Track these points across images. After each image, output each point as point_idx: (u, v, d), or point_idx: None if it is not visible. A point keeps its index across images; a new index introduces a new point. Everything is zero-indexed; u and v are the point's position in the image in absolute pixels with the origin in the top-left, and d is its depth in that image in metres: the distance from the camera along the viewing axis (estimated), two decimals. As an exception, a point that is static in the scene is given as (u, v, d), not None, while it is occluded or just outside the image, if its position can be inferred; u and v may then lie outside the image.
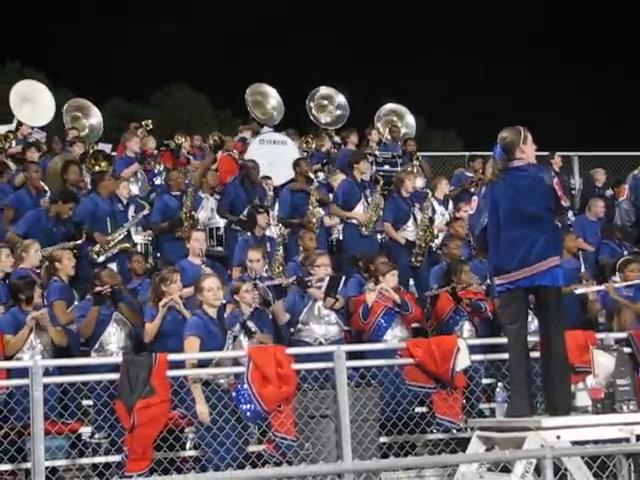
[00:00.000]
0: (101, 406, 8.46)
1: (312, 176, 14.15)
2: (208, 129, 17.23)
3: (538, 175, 7.72)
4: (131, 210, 12.92)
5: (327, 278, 10.57)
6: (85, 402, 9.16)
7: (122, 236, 12.25)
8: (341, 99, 17.70)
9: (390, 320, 10.61)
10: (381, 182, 13.84)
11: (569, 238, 12.20)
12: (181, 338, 9.18)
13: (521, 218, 7.65)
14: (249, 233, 12.60)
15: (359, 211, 13.27)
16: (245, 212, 13.19)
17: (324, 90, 17.59)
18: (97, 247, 12.03)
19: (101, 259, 11.95)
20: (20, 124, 15.20)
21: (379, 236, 13.65)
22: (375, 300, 10.59)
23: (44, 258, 11.03)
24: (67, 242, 11.75)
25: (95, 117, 16.61)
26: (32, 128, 15.25)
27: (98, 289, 10.11)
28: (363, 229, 13.16)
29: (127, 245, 12.27)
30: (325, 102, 17.46)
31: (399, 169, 15.01)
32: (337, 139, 16.80)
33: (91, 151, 14.71)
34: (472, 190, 14.85)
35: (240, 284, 10.35)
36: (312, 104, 17.39)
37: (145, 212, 12.88)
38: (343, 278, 10.94)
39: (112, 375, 8.27)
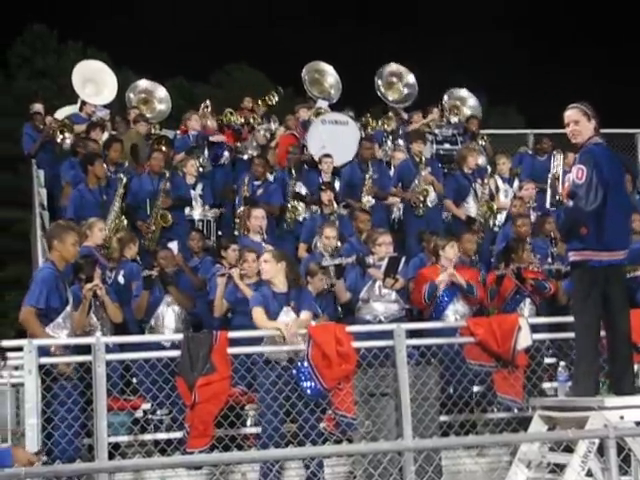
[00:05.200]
0: (162, 383, 8.51)
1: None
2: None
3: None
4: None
5: (386, 258, 10.48)
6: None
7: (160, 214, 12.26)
8: (410, 78, 16.89)
9: (451, 295, 10.47)
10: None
11: (637, 218, 11.94)
12: (244, 315, 9.38)
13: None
14: (318, 211, 12.75)
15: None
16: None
17: (393, 67, 17.15)
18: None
19: (152, 246, 11.91)
20: (84, 103, 15.27)
21: (444, 214, 13.59)
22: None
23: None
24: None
25: (165, 103, 16.56)
26: (95, 106, 15.30)
27: (146, 273, 10.13)
28: (419, 210, 13.17)
29: (167, 220, 12.25)
30: (394, 79, 17.03)
31: (459, 147, 14.89)
32: (405, 116, 16.55)
33: (154, 133, 14.80)
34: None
35: (316, 268, 10.51)
36: (380, 81, 16.96)
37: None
38: (403, 258, 10.86)
39: (173, 352, 8.37)
